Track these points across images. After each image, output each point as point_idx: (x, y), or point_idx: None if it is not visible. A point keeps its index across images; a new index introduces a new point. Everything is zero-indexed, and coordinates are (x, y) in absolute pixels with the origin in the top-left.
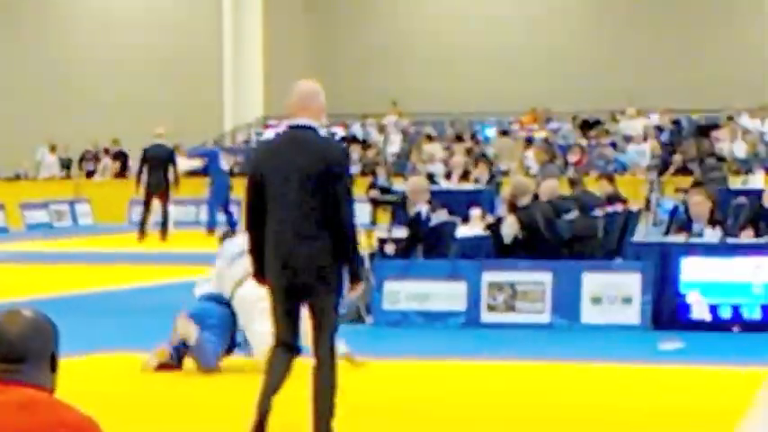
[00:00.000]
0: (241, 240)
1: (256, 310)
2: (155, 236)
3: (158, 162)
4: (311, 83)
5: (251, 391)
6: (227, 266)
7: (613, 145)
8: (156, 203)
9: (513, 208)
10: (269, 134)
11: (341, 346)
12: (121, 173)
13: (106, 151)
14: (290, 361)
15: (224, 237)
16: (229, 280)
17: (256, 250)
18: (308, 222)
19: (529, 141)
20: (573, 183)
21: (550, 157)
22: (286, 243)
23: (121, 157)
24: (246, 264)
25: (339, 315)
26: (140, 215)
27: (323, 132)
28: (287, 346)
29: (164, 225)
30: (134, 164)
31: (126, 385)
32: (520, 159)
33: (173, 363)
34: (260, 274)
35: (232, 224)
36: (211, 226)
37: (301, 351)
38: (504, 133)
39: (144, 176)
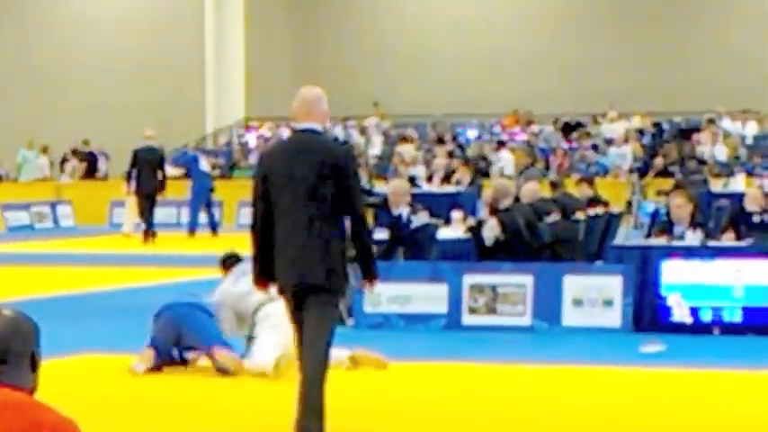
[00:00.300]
0: None
1: (275, 324)
2: (137, 238)
3: (148, 164)
4: (315, 89)
5: (240, 391)
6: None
7: (595, 148)
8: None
9: (494, 210)
10: (251, 136)
11: (344, 351)
12: (90, 174)
13: (74, 152)
14: None
15: (230, 261)
16: (254, 297)
17: (261, 253)
18: (316, 224)
19: (501, 143)
20: (554, 185)
21: (532, 159)
22: (295, 245)
23: (90, 158)
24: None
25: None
26: (138, 218)
27: (327, 136)
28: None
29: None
30: (103, 164)
31: (108, 387)
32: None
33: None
34: (262, 277)
35: (213, 225)
36: (193, 228)
37: None
38: (479, 138)
39: (133, 178)
